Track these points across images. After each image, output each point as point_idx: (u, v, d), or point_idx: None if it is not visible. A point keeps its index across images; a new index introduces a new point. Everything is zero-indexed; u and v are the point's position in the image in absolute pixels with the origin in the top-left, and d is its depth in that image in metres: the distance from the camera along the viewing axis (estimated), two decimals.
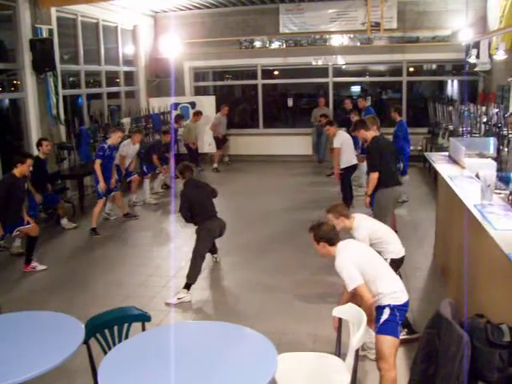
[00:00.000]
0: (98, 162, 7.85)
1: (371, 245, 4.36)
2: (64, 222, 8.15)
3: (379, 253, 4.38)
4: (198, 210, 5.85)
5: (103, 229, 8.07)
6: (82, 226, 8.23)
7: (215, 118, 12.86)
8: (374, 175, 5.90)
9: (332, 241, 3.66)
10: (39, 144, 7.83)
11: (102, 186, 7.88)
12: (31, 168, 6.20)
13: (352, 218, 4.43)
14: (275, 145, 13.62)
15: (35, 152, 8.72)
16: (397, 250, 4.51)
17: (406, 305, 3.54)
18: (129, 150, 9.02)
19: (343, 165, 8.17)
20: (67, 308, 4.69)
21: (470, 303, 4.26)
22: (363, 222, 4.47)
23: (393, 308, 3.46)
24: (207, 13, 13.25)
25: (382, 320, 3.47)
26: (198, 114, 12.33)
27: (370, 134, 6.10)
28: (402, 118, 8.70)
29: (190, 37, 13.33)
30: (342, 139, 8.21)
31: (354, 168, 8.40)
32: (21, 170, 6.05)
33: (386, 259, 4.42)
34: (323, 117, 11.57)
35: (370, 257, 3.68)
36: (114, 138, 8.14)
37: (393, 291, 3.50)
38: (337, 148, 8.11)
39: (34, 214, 7.32)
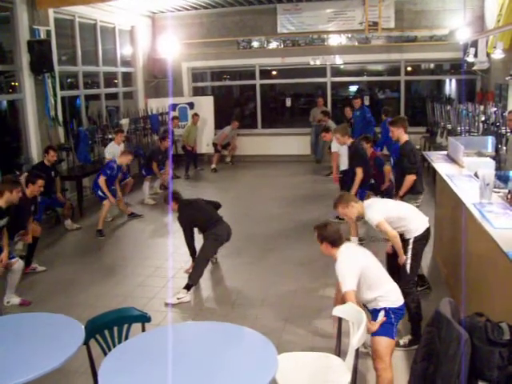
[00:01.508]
0: (103, 178, 8.00)
1: (392, 224, 4.32)
2: (68, 222, 8.16)
3: (402, 234, 4.39)
4: (204, 219, 5.86)
5: None
6: (81, 227, 8.23)
7: (226, 130, 12.88)
8: (412, 177, 5.60)
9: (335, 242, 3.65)
10: (46, 152, 7.88)
11: (112, 200, 8.10)
12: (42, 189, 6.27)
13: (361, 202, 4.40)
14: (273, 145, 13.61)
15: (34, 153, 8.77)
16: (418, 225, 4.44)
17: (401, 308, 3.60)
18: (114, 151, 9.02)
19: (342, 167, 8.13)
20: (67, 309, 4.69)
21: (470, 302, 4.27)
22: (373, 204, 4.42)
23: (388, 310, 3.52)
24: (205, 13, 13.25)
25: (377, 321, 3.52)
26: (196, 115, 12.38)
27: (406, 136, 5.82)
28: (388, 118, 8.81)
29: (188, 37, 13.34)
30: (337, 146, 8.25)
31: None
32: (31, 190, 6.12)
33: (409, 239, 4.40)
34: (324, 114, 11.68)
35: (369, 262, 3.68)
36: (123, 160, 8.28)
37: (388, 294, 3.57)
38: (335, 152, 8.08)
39: (38, 218, 7.33)
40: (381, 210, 4.33)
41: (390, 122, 5.94)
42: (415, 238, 4.41)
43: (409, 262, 4.40)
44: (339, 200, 4.38)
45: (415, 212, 4.59)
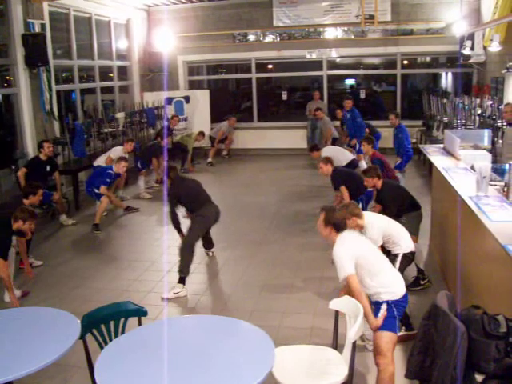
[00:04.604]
0: (104, 187, 8.04)
1: (385, 242, 4.48)
2: (63, 218, 8.12)
3: (392, 249, 4.55)
4: (191, 198, 5.86)
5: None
6: (77, 222, 8.20)
7: (223, 127, 12.82)
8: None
9: (340, 228, 3.66)
10: (40, 146, 7.84)
11: (112, 199, 8.35)
12: (41, 198, 6.28)
13: (364, 217, 4.41)
14: (270, 138, 13.58)
15: (29, 147, 8.73)
16: (408, 244, 4.58)
17: (403, 300, 3.53)
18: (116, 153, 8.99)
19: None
20: (63, 303, 4.68)
21: (466, 294, 4.28)
22: (373, 222, 4.48)
23: (390, 304, 3.47)
24: (200, 6, 13.19)
25: (379, 316, 3.47)
26: (202, 135, 12.26)
27: (380, 180, 5.70)
28: (401, 123, 8.89)
29: (184, 31, 13.28)
30: (329, 151, 8.41)
31: (352, 166, 8.23)
32: (31, 200, 6.12)
33: (398, 254, 4.53)
34: (317, 110, 11.67)
35: (368, 251, 3.66)
36: (119, 168, 8.28)
37: (389, 286, 3.51)
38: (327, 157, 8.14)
39: None
40: (380, 229, 4.47)
41: (364, 173, 5.84)
42: (404, 254, 4.54)
43: None
44: (343, 209, 4.38)
45: (406, 232, 4.68)
